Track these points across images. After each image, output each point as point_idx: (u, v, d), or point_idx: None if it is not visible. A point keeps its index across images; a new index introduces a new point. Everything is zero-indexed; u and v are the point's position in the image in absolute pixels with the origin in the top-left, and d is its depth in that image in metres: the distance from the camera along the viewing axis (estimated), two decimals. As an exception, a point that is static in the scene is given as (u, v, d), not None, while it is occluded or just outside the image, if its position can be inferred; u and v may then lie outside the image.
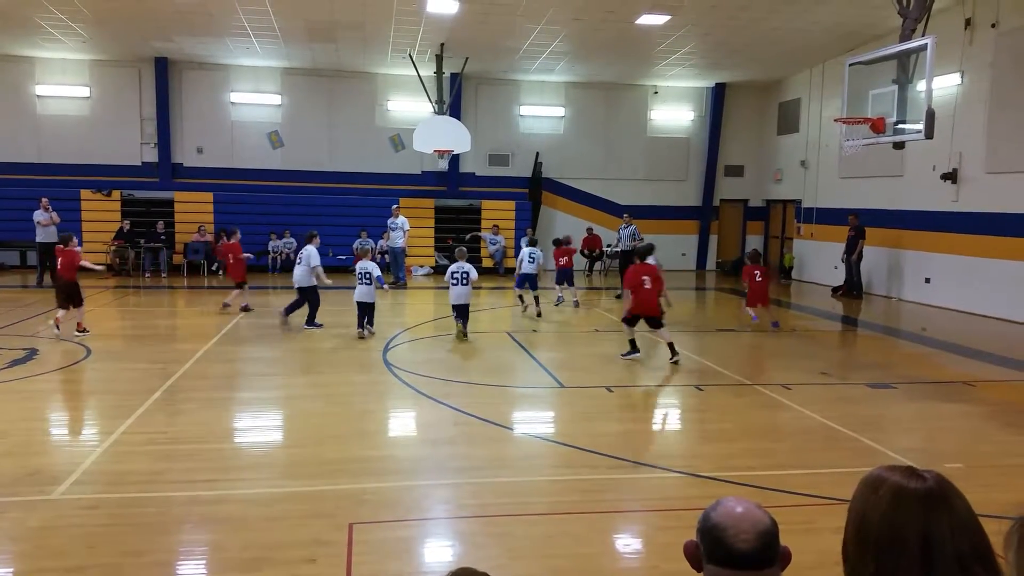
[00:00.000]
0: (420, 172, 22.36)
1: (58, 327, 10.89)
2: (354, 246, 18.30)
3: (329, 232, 20.83)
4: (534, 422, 7.73)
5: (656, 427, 7.94)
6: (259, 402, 8.16)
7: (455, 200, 22.35)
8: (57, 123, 20.94)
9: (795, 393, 8.48)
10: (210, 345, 10.68)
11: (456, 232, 21.89)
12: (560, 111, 23.08)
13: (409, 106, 21.73)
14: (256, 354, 10.54)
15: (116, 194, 20.69)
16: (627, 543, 5.04)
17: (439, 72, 19.58)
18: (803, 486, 5.63)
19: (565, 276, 15.30)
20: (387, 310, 15.45)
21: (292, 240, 20.55)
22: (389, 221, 18.20)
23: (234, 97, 21.48)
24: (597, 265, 22.65)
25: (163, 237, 19.92)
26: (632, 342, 10.11)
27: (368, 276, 11.60)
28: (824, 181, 20.38)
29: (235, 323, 12.60)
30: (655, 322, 10.00)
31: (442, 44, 18.51)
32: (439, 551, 4.76)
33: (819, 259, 20.48)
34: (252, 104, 21.61)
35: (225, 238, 14.89)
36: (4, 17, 16.69)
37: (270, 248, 20.50)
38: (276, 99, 21.66)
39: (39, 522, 4.80)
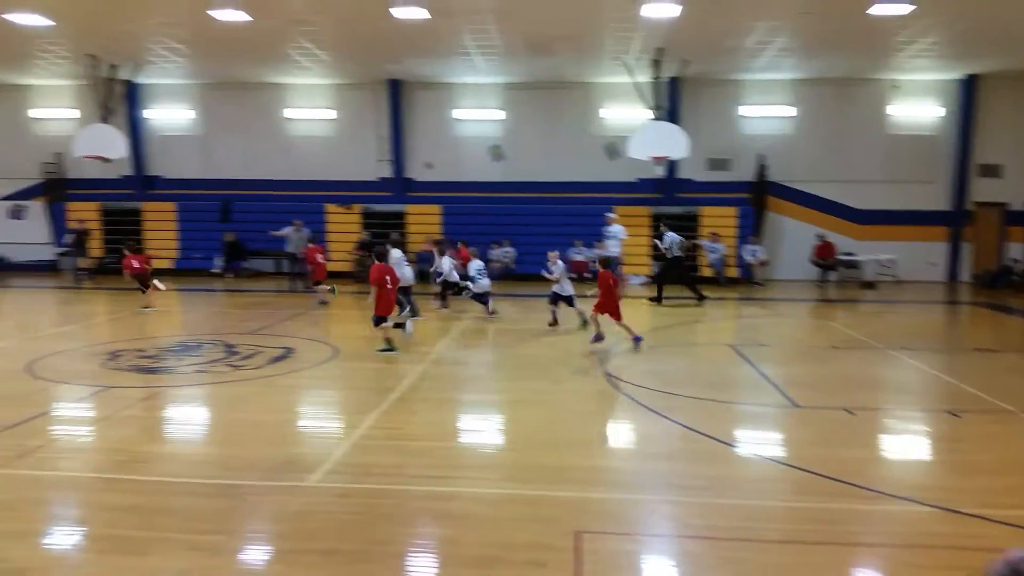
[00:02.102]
0: (635, 180, 22.22)
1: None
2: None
3: (546, 241, 21.34)
4: (764, 442, 7.33)
5: (904, 455, 7.23)
6: (484, 405, 8.47)
7: (672, 207, 21.96)
8: (305, 143, 23.24)
9: (1075, 423, 7.36)
10: (439, 348, 11.26)
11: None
12: (787, 110, 21.95)
13: (624, 113, 21.70)
14: (481, 358, 10.98)
15: (357, 208, 22.53)
16: (875, 579, 4.61)
17: (656, 77, 19.37)
18: (1092, 533, 4.85)
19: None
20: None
21: (511, 249, 21.25)
22: (604, 229, 18.23)
23: (458, 114, 22.63)
24: (831, 275, 21.20)
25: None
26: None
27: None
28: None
29: (462, 328, 13.19)
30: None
31: (659, 48, 18.29)
32: (667, 569, 4.63)
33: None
34: (475, 120, 22.64)
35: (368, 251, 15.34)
36: (259, 49, 18.79)
37: (491, 256, 21.31)
38: (498, 114, 22.53)
39: (298, 506, 5.28)
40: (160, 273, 17.28)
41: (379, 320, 10.87)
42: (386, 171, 23.03)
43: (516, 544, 4.69)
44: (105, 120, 20.51)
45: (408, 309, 13.08)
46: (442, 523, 5.04)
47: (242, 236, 21.92)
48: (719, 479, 6.03)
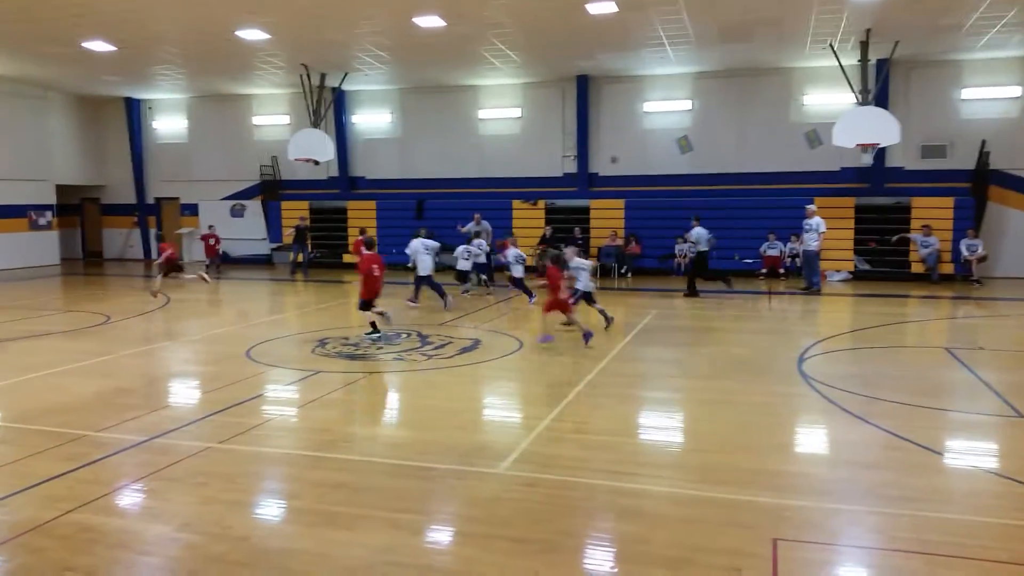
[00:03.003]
0: (838, 169, 20.84)
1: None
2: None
3: (738, 235, 20.62)
4: (983, 454, 6.60)
5: None
6: (671, 403, 8.26)
7: (879, 198, 20.38)
8: (493, 142, 23.89)
9: None
10: (623, 344, 11.15)
11: (879, 233, 19.98)
12: (1012, 91, 19.66)
13: (827, 99, 20.41)
14: (667, 356, 10.73)
15: (541, 203, 22.87)
16: None
17: (863, 60, 18.04)
18: None
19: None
20: (799, 318, 14.69)
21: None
22: (804, 222, 17.24)
23: (646, 107, 22.31)
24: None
25: (580, 241, 21.43)
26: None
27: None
28: None
29: (644, 324, 12.99)
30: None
31: (868, 30, 17.01)
32: (876, 586, 4.27)
33: None
34: (663, 112, 22.22)
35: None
36: (454, 52, 19.50)
37: (676, 251, 20.85)
38: (686, 104, 21.99)
39: (489, 492, 5.41)
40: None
41: (364, 305, 11.43)
42: (571, 166, 23.18)
43: (709, 548, 4.52)
44: (315, 125, 22.21)
45: (440, 296, 14.37)
46: (630, 520, 4.96)
47: (437, 233, 22.90)
48: (929, 491, 5.49)
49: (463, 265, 16.46)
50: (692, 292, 16.67)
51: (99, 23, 17.07)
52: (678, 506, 5.19)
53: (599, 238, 21.83)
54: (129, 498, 5.47)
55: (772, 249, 19.99)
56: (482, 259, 17.13)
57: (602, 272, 20.89)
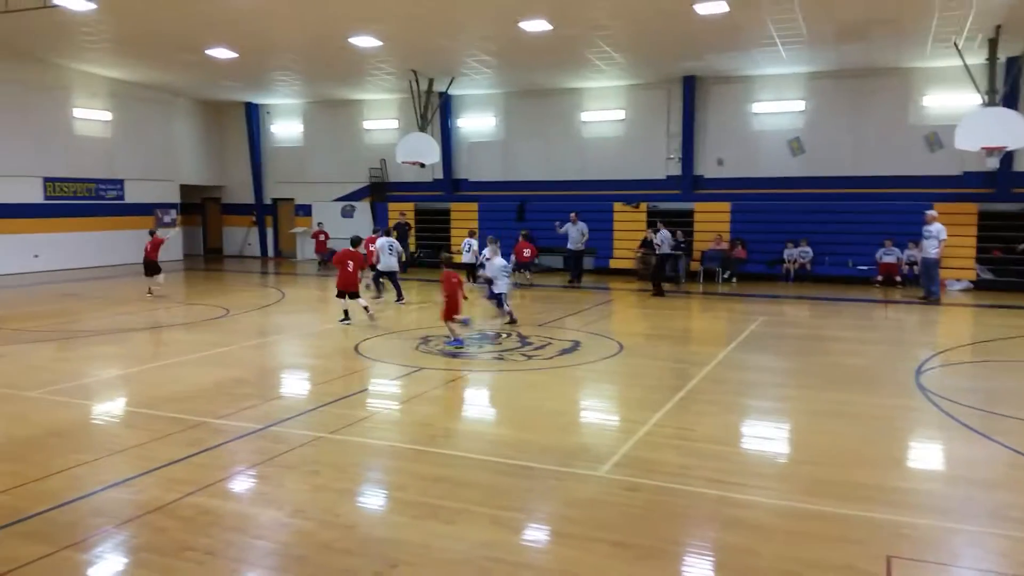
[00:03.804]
0: (960, 173, 19.69)
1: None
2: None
3: (852, 241, 19.79)
4: None
5: None
6: (780, 412, 8.00)
7: (1005, 204, 19.11)
8: (596, 144, 23.77)
9: None
10: (728, 351, 10.88)
11: (1004, 241, 18.76)
12: None
13: (949, 100, 19.31)
14: (775, 364, 10.41)
15: (643, 206, 22.59)
16: None
17: (991, 58, 16.95)
18: None
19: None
20: (916, 328, 13.98)
21: (808, 249, 19.95)
22: (923, 229, 16.36)
23: (756, 108, 21.71)
24: None
25: (682, 245, 21.06)
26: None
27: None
28: None
29: (751, 330, 12.64)
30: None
31: (998, 27, 15.98)
32: (1003, 615, 4.02)
33: None
34: (773, 113, 21.56)
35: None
36: (558, 56, 19.52)
37: (785, 256, 20.19)
38: (798, 105, 21.26)
39: (589, 494, 5.39)
40: (460, 267, 18.79)
41: (341, 294, 13.02)
42: (675, 169, 22.80)
43: (819, 563, 4.36)
44: (422, 129, 22.70)
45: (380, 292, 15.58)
46: (736, 530, 4.83)
47: (534, 234, 23.01)
48: (1063, 517, 5.12)
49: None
50: (659, 292, 17.53)
51: (223, 31, 18.03)
52: (787, 519, 5.03)
53: (703, 241, 21.37)
54: (245, 483, 5.75)
55: (888, 256, 19.05)
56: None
57: (705, 277, 20.45)
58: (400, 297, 15.89)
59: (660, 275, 18.11)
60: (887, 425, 7.36)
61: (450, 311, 11.07)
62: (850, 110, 20.71)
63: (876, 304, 16.30)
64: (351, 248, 13.42)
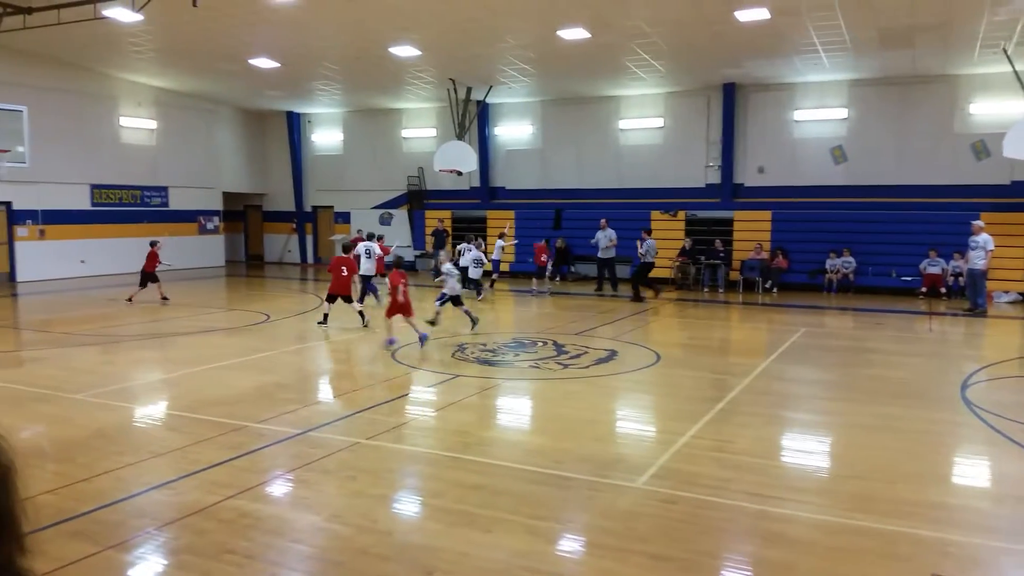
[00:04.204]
0: (1009, 182, 19.21)
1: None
2: None
3: (895, 251, 19.42)
4: None
5: None
6: (821, 426, 7.84)
7: (1056, 214, 18.62)
8: (634, 152, 23.66)
9: None
10: (768, 362, 10.73)
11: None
12: None
13: (997, 108, 18.87)
14: (817, 376, 10.23)
15: (681, 214, 22.42)
16: None
17: (1042, 64, 16.56)
18: None
19: None
20: (962, 341, 13.65)
21: (851, 259, 19.60)
22: (970, 239, 15.97)
23: (797, 115, 21.44)
24: None
25: (722, 254, 20.86)
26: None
27: None
28: None
29: (792, 342, 12.45)
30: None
31: (1049, 31, 15.60)
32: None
33: None
34: (815, 120, 21.28)
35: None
36: (597, 63, 19.51)
37: (827, 267, 19.87)
38: (841, 113, 20.96)
39: (626, 506, 5.34)
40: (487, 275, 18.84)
41: (331, 299, 13.46)
42: (714, 177, 22.60)
43: (861, 580, 4.26)
44: (460, 137, 22.82)
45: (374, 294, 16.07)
46: (776, 545, 4.75)
47: (570, 242, 22.97)
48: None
49: (474, 273, 17.42)
50: (637, 298, 17.85)
51: (265, 42, 18.35)
52: (829, 534, 4.93)
53: (743, 251, 21.13)
54: (283, 487, 5.81)
55: (933, 267, 18.64)
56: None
57: (745, 286, 20.22)
58: (361, 300, 15.63)
59: (640, 280, 18.37)
60: (932, 440, 7.19)
61: (393, 310, 11.40)
62: (894, 118, 20.36)
63: (920, 316, 15.96)
64: (343, 255, 13.91)
